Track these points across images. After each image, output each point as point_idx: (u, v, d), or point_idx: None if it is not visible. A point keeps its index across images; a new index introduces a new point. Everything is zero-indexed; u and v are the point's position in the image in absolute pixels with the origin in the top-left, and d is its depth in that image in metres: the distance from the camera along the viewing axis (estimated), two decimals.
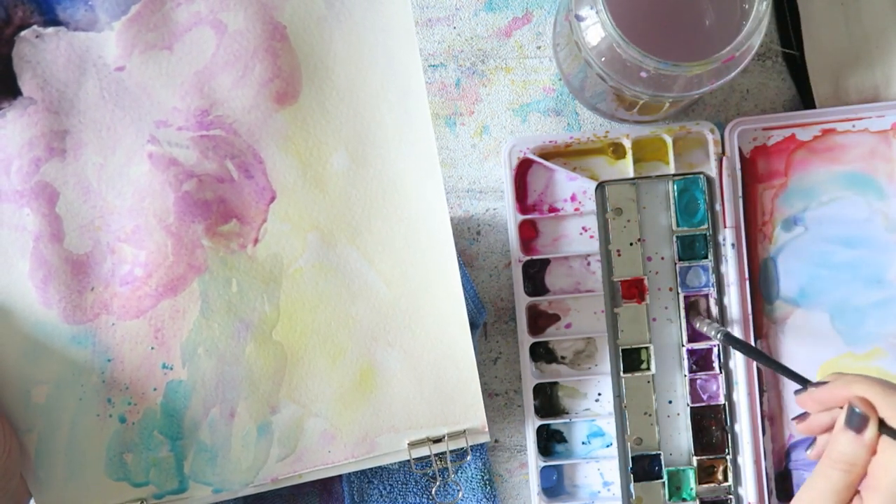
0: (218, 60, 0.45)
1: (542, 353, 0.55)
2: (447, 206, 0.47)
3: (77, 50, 0.44)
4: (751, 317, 0.53)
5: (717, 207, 0.54)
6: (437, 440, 0.48)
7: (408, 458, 0.48)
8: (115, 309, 0.46)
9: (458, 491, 0.53)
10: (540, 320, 0.55)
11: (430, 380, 0.48)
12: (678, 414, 0.55)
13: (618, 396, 0.54)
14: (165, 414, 0.47)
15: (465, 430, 0.48)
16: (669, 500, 0.54)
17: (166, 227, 0.45)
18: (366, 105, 0.46)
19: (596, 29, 0.45)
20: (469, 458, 0.50)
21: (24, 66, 0.44)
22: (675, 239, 0.54)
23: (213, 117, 0.45)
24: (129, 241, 0.46)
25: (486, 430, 0.48)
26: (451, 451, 0.49)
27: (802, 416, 0.43)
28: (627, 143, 0.54)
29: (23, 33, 0.44)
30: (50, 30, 0.44)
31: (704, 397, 0.54)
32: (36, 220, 0.45)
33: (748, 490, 0.53)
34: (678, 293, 0.54)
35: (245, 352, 0.47)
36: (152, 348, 0.46)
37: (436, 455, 0.48)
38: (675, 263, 0.54)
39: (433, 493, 0.54)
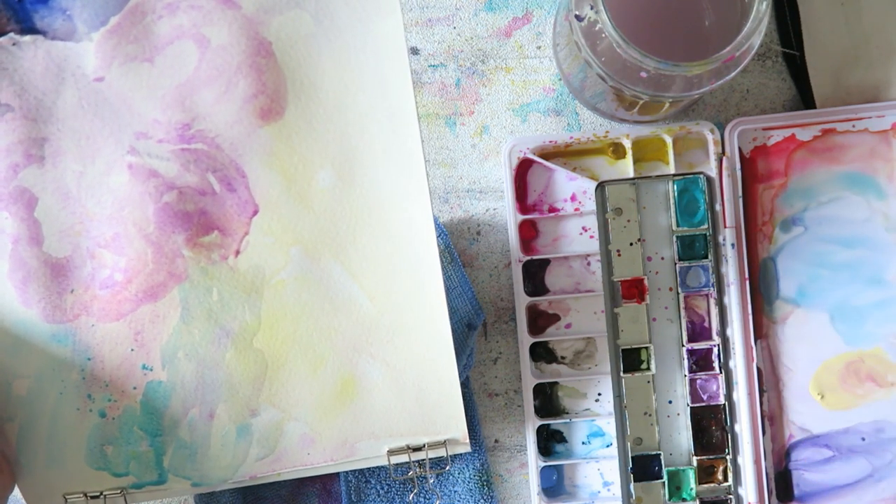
0: (200, 75, 0.45)
1: (542, 353, 0.55)
2: (434, 228, 0.46)
3: (55, 59, 0.44)
4: (751, 317, 0.53)
5: (717, 207, 0.54)
6: (417, 448, 0.48)
7: (387, 463, 0.48)
8: (94, 311, 0.46)
9: (437, 499, 0.54)
10: (540, 320, 0.55)
11: (412, 392, 0.47)
12: (678, 414, 0.55)
13: (618, 396, 0.54)
14: (145, 411, 0.47)
15: (445, 441, 0.48)
16: (669, 500, 0.54)
17: (146, 237, 0.46)
18: (354, 124, 0.45)
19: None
20: (449, 467, 0.50)
21: (0, 73, 0.44)
22: (675, 239, 0.54)
23: (194, 131, 0.45)
24: (109, 248, 0.46)
25: (467, 440, 0.48)
26: (434, 459, 0.49)
27: None
28: (627, 143, 0.54)
29: None
30: (27, 38, 0.44)
31: (704, 397, 0.54)
32: (14, 224, 0.45)
33: (748, 490, 0.53)
34: (678, 293, 0.54)
35: (225, 357, 0.47)
36: (132, 350, 0.47)
37: (416, 462, 0.48)
38: (675, 263, 0.54)
39: (410, 498, 0.54)
